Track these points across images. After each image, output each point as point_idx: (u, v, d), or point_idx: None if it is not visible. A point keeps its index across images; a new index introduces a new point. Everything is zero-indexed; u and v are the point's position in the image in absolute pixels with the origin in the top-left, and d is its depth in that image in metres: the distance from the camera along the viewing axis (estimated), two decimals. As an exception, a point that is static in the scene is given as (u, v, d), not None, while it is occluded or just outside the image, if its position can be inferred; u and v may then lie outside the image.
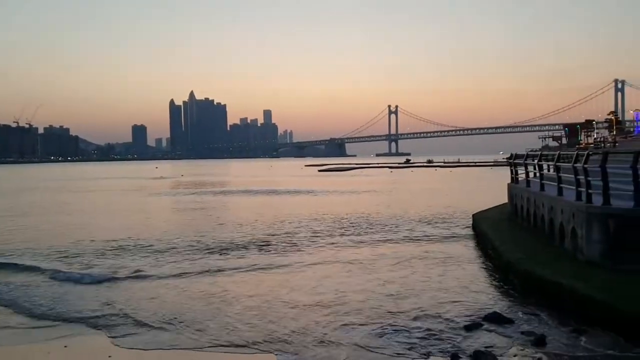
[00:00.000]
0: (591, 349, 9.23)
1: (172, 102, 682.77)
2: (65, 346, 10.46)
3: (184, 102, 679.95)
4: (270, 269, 17.26)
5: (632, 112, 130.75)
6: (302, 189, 56.67)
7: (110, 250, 20.96)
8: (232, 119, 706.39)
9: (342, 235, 24.13)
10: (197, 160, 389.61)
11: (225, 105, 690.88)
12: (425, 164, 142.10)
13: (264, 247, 21.09)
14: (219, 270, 16.94)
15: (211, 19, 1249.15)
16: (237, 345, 10.17)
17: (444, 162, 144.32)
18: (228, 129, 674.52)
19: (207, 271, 16.82)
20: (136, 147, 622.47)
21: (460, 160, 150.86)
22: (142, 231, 26.24)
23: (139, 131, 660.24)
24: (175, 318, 11.90)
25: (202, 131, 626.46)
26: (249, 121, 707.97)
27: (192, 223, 30.15)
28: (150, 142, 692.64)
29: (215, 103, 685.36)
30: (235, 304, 13.03)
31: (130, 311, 12.51)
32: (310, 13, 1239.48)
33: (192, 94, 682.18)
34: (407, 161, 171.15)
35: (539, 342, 9.57)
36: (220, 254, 19.81)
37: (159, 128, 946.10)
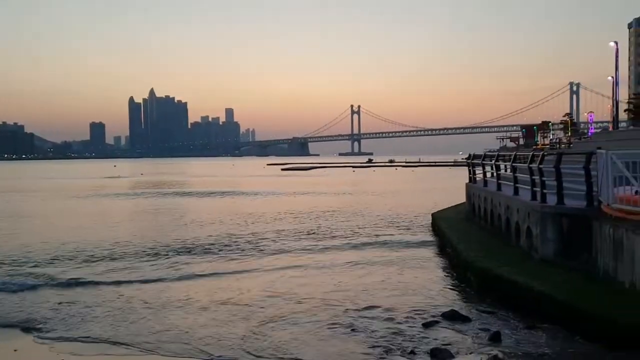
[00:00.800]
0: (545, 345, 9.45)
1: (131, 99, 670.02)
2: None
3: (144, 100, 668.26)
4: (221, 274, 16.26)
5: (586, 114, 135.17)
6: (265, 191, 53.32)
7: (50, 256, 18.90)
8: (193, 117, 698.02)
9: (302, 238, 23.01)
10: (157, 159, 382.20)
11: (186, 103, 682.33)
12: (387, 164, 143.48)
13: (218, 252, 19.81)
14: (159, 280, 15.47)
15: (172, 15, 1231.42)
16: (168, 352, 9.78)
17: (406, 162, 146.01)
18: (189, 127, 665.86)
19: (146, 280, 15.41)
20: (94, 145, 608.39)
21: (421, 160, 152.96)
22: (89, 236, 23.84)
23: (97, 129, 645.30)
24: (108, 325, 11.26)
25: (162, 129, 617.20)
26: (210, 119, 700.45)
27: (145, 227, 28.13)
28: (109, 140, 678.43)
29: (176, 101, 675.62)
30: (173, 311, 12.30)
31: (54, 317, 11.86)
32: (274, 11, 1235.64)
33: (152, 92, 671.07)
34: (370, 161, 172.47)
35: (495, 338, 9.76)
36: (169, 260, 18.34)
37: (118, 126, 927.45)
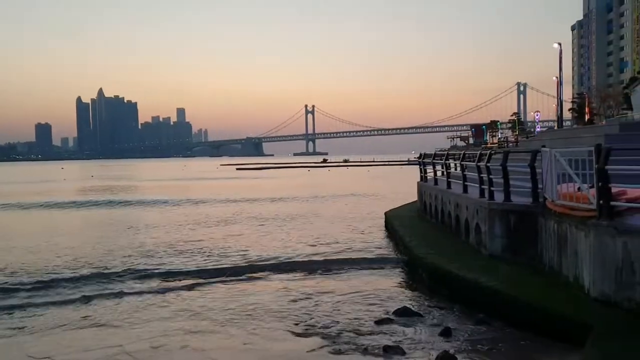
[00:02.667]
0: (493, 339, 9.67)
1: (79, 99, 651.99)
2: None
3: (92, 100, 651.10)
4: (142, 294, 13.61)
5: (533, 113, 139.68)
6: (219, 198, 44.33)
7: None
8: (144, 117, 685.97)
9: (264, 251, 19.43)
10: (106, 161, 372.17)
11: (136, 103, 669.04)
12: (341, 164, 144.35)
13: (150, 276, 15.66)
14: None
15: (121, 14, 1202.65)
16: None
17: (360, 162, 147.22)
18: (139, 127, 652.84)
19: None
20: (40, 147, 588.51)
21: (376, 160, 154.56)
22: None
23: (43, 130, 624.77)
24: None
25: (111, 130, 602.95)
26: (161, 119, 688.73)
27: (80, 246, 21.23)
28: (56, 141, 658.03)
29: (125, 101, 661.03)
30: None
31: None
32: (227, 10, 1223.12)
33: (100, 91, 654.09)
34: (325, 160, 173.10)
35: (445, 334, 9.94)
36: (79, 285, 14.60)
37: (65, 127, 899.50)
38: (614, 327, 8.23)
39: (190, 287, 14.30)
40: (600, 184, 9.45)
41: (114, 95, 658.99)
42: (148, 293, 13.76)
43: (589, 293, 9.65)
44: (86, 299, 13.16)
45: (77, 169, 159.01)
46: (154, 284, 14.75)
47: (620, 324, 8.32)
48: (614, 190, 9.60)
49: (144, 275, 15.69)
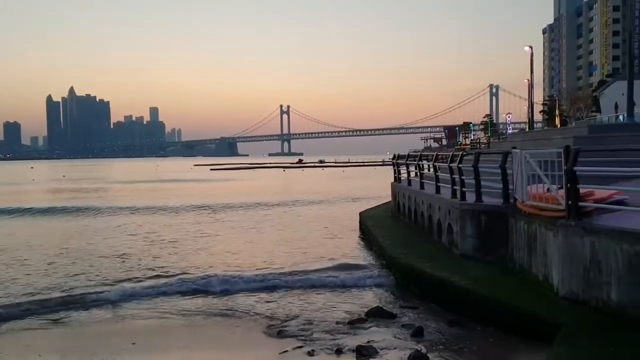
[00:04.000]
0: (465, 338, 9.77)
1: (49, 98, 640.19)
2: None
3: (63, 99, 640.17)
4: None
5: (505, 115, 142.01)
6: (189, 204, 38.44)
7: None
8: (116, 116, 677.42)
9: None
10: (77, 160, 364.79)
11: (108, 102, 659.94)
12: (317, 164, 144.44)
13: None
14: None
15: (94, 12, 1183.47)
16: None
17: (335, 162, 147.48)
18: (112, 127, 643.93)
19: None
20: (9, 146, 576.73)
21: (351, 160, 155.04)
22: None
23: (12, 129, 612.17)
24: None
25: (83, 129, 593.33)
26: (134, 119, 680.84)
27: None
28: (25, 140, 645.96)
29: (97, 100, 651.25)
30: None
31: None
32: (202, 8, 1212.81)
33: (72, 90, 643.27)
34: (300, 161, 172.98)
35: (417, 333, 10.01)
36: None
37: (35, 126, 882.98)
38: (581, 325, 8.39)
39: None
40: (568, 185, 9.62)
41: (86, 94, 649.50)
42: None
43: (557, 292, 9.82)
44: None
45: (47, 169, 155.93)
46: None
47: (588, 322, 8.48)
48: (582, 191, 9.78)
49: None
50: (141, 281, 15.10)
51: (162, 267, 16.96)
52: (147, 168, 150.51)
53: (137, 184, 70.78)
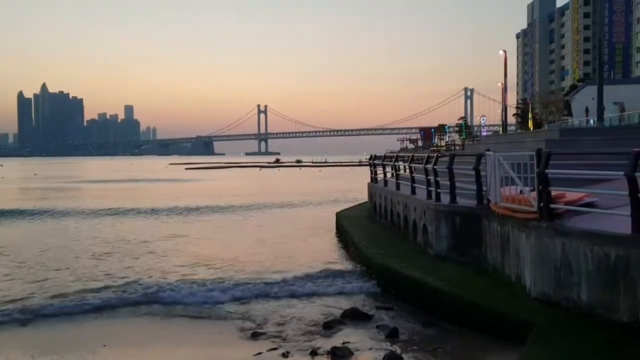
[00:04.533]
0: (439, 338, 9.86)
1: (20, 94, 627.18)
2: None
3: (35, 95, 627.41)
4: None
5: (479, 117, 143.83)
6: (161, 207, 36.05)
7: None
8: (90, 114, 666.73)
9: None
10: (50, 158, 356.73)
11: (82, 100, 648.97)
12: (294, 164, 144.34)
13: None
14: None
15: (66, 8, 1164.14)
16: None
17: (312, 162, 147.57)
18: (85, 124, 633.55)
19: None
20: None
21: (328, 160, 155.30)
22: None
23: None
24: None
25: (55, 127, 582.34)
26: (108, 116, 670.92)
27: None
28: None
29: (70, 97, 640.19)
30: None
31: None
32: (176, 7, 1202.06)
33: (44, 87, 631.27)
34: (277, 160, 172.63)
35: (392, 334, 10.07)
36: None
37: (5, 123, 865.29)
38: (553, 325, 8.53)
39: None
40: (540, 187, 9.79)
41: (59, 91, 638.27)
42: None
43: (530, 292, 9.98)
44: None
45: (17, 167, 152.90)
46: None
47: (559, 322, 8.63)
48: (553, 193, 9.96)
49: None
50: (103, 290, 13.92)
51: (123, 276, 15.57)
52: (120, 167, 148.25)
53: (109, 184, 68.51)
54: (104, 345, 10.04)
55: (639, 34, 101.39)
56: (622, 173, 8.00)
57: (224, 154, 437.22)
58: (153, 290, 13.77)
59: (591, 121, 43.59)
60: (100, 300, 12.81)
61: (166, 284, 14.35)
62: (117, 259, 18.55)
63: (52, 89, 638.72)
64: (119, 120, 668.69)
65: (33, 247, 21.19)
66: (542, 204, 9.77)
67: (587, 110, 48.07)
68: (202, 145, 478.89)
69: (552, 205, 9.76)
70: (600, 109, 24.90)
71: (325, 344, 9.77)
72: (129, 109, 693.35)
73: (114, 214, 32.92)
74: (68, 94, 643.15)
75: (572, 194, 10.63)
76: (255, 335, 10.49)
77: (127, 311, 12.37)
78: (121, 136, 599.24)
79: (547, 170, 9.60)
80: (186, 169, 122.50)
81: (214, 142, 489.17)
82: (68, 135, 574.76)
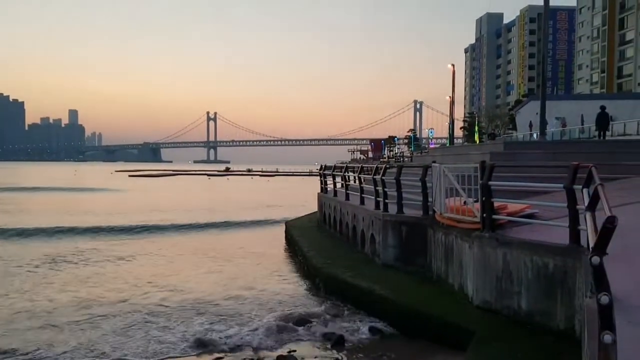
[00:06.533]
0: (385, 346, 9.95)
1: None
2: None
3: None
4: None
5: (426, 130, 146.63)
6: (99, 226, 28.85)
7: None
8: (32, 117, 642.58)
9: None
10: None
11: (23, 103, 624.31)
12: (244, 173, 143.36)
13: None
14: None
15: (9, 5, 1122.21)
16: None
17: (262, 171, 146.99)
18: (26, 128, 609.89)
19: None
20: None
21: (279, 170, 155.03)
22: None
23: None
24: None
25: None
26: (51, 121, 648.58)
27: None
28: None
29: (11, 99, 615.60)
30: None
31: None
32: (126, 10, 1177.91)
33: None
34: (227, 169, 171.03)
35: (338, 342, 10.10)
36: None
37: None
38: (494, 332, 8.74)
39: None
40: (484, 198, 10.05)
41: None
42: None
43: (472, 301, 10.20)
44: None
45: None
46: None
47: (500, 330, 8.85)
48: (496, 204, 10.24)
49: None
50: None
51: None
52: (64, 173, 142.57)
53: (60, 193, 61.22)
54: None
55: (581, 52, 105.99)
56: (561, 186, 8.29)
57: (171, 162, 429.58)
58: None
59: (534, 135, 45.19)
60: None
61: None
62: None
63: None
64: (63, 125, 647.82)
65: None
66: (484, 215, 10.01)
67: (530, 125, 49.77)
68: (150, 152, 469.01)
69: (494, 216, 10.03)
70: (543, 123, 25.79)
71: (271, 351, 9.71)
72: (73, 114, 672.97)
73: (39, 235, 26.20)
74: (8, 96, 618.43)
75: (514, 206, 10.96)
76: (199, 341, 10.30)
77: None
78: (65, 141, 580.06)
79: (490, 182, 9.86)
80: (130, 176, 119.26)
81: (162, 150, 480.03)
82: (8, 139, 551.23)
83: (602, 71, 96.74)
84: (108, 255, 20.66)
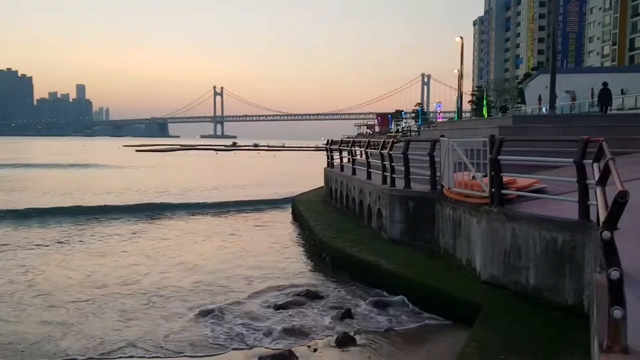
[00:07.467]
0: (392, 319, 9.99)
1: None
2: None
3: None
4: None
5: (434, 104, 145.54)
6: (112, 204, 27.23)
7: None
8: (40, 92, 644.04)
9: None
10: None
11: (31, 78, 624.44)
12: (251, 148, 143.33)
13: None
14: None
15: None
16: None
17: (268, 146, 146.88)
18: (35, 103, 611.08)
19: None
20: None
21: (285, 145, 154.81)
22: None
23: None
24: None
25: (2, 105, 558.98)
26: (59, 96, 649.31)
27: None
28: None
29: (19, 74, 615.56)
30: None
31: None
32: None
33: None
34: (234, 144, 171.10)
35: (346, 315, 10.14)
36: None
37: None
38: (501, 307, 8.75)
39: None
40: (492, 173, 9.96)
41: (6, 68, 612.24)
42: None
43: (480, 276, 10.20)
44: None
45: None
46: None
47: (507, 305, 8.85)
48: (505, 179, 10.16)
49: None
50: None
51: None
52: (73, 149, 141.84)
53: (65, 170, 59.11)
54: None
55: (592, 24, 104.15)
56: (571, 160, 8.19)
57: (178, 137, 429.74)
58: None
59: (543, 109, 44.74)
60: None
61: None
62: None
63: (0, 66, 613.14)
64: (71, 100, 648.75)
65: None
66: (493, 190, 9.95)
67: (539, 99, 49.27)
68: (157, 127, 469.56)
69: (503, 191, 9.96)
70: (552, 97, 25.47)
71: (279, 324, 9.77)
72: (80, 89, 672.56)
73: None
74: (17, 71, 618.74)
75: (523, 180, 10.87)
76: (206, 315, 10.37)
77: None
78: (73, 116, 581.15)
79: (499, 157, 9.77)
80: (137, 151, 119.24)
81: (169, 125, 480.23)
82: (16, 114, 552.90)
83: (614, 43, 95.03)
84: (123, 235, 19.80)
